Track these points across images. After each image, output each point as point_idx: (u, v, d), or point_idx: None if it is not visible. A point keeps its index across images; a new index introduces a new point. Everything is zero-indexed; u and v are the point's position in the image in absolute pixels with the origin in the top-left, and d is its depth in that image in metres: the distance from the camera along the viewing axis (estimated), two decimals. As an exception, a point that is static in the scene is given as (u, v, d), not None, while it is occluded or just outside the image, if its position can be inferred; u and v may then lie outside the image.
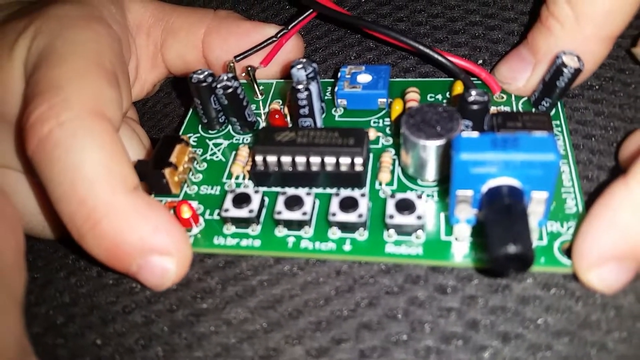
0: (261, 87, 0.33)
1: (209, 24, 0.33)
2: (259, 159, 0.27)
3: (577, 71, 0.26)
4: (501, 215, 0.21)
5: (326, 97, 0.32)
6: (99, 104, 0.25)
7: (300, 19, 0.33)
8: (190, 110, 0.33)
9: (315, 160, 0.26)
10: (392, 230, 0.25)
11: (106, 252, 0.24)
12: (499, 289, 0.23)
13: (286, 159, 0.26)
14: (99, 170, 0.23)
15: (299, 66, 0.28)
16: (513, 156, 0.20)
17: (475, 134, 0.21)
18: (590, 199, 0.25)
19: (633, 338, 0.21)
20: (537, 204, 0.22)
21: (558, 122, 0.28)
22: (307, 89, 0.27)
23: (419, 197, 0.25)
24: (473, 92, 0.25)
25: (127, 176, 0.24)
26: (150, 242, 0.24)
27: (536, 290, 0.22)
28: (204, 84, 0.29)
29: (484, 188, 0.21)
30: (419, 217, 0.24)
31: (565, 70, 0.26)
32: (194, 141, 0.31)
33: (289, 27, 0.33)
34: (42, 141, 0.24)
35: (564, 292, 0.22)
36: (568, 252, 0.23)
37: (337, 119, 0.30)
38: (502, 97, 0.29)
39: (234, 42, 0.32)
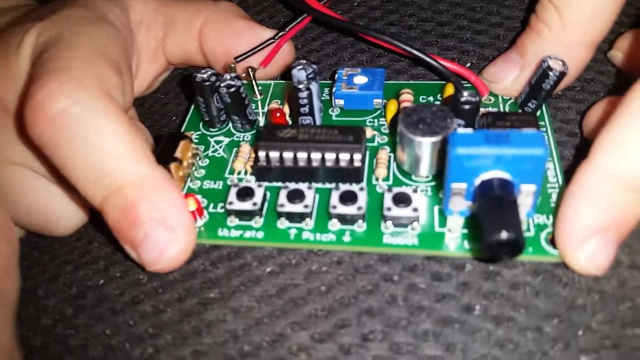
0: (259, 88, 0.34)
1: (207, 15, 0.34)
2: (262, 154, 0.28)
3: (562, 74, 0.27)
4: (493, 205, 0.22)
5: (323, 98, 0.33)
6: (107, 87, 0.25)
7: (296, 22, 0.35)
8: (192, 109, 0.34)
9: (316, 156, 0.27)
10: (389, 222, 0.26)
11: (120, 216, 0.24)
12: (491, 275, 0.24)
13: (288, 155, 0.27)
14: (123, 147, 0.24)
15: (300, 67, 0.29)
16: (505, 151, 0.22)
17: (469, 130, 0.22)
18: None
19: (616, 320, 0.23)
20: (525, 196, 0.23)
21: (543, 123, 0.29)
22: (307, 88, 0.28)
23: (415, 191, 0.26)
24: (465, 93, 0.27)
25: (147, 150, 0.25)
26: (163, 213, 0.24)
27: (526, 277, 0.24)
28: (208, 83, 0.30)
29: (477, 181, 0.23)
30: (415, 210, 0.25)
31: (550, 73, 0.27)
32: (195, 138, 0.32)
33: (287, 30, 0.34)
34: (54, 119, 0.24)
35: (551, 278, 0.24)
36: (553, 242, 0.24)
37: (334, 118, 0.32)
38: (490, 100, 0.31)
39: (228, 38, 0.33)
